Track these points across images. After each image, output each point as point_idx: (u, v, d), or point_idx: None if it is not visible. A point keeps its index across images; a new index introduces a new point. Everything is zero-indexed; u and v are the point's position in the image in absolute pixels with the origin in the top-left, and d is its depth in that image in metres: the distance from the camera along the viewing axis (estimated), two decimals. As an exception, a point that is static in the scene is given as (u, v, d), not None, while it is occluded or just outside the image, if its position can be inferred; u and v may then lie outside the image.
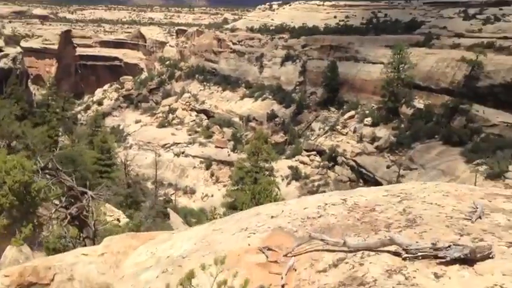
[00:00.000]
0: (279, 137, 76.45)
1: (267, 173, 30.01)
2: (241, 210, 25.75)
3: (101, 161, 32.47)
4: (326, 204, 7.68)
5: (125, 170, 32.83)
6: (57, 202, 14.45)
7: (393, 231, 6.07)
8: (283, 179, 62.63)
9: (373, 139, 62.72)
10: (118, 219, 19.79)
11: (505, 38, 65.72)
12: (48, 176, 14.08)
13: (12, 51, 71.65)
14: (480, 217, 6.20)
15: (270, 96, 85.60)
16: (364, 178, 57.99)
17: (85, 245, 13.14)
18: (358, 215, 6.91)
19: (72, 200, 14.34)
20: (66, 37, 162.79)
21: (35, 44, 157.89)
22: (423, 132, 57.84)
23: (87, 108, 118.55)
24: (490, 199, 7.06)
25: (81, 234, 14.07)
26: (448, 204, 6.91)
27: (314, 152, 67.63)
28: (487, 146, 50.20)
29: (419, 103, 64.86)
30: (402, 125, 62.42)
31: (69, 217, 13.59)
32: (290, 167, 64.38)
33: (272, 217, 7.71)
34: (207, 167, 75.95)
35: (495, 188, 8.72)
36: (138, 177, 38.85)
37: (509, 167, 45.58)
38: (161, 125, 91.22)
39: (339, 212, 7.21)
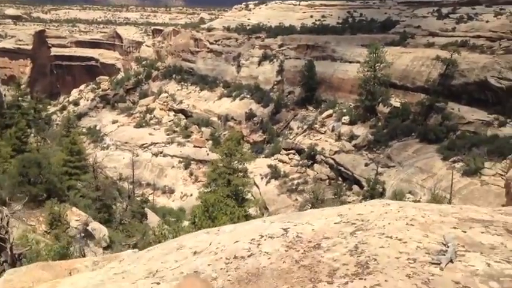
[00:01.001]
0: (257, 136, 76.45)
1: (241, 174, 29.63)
2: (194, 223, 24.49)
3: (70, 163, 31.48)
4: (262, 236, 6.40)
5: (94, 172, 31.94)
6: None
7: (337, 284, 4.85)
8: (262, 178, 62.67)
9: (351, 137, 63.18)
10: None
11: (478, 36, 67.00)
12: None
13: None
14: (452, 260, 4.99)
15: (248, 96, 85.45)
16: (343, 176, 58.36)
17: (3, 271, 11.41)
18: (297, 255, 5.67)
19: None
20: (40, 37, 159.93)
21: (8, 44, 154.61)
22: (400, 130, 58.52)
23: (63, 108, 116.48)
24: (465, 229, 5.86)
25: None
26: (412, 238, 5.64)
27: (293, 151, 67.77)
28: (463, 143, 51.04)
29: (395, 101, 65.59)
30: (379, 123, 63.06)
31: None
32: (269, 166, 64.37)
33: (195, 253, 6.45)
34: (186, 167, 75.45)
35: (471, 208, 6.93)
36: (108, 180, 37.84)
37: (485, 163, 46.39)
38: (139, 125, 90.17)
39: (275, 248, 5.94)
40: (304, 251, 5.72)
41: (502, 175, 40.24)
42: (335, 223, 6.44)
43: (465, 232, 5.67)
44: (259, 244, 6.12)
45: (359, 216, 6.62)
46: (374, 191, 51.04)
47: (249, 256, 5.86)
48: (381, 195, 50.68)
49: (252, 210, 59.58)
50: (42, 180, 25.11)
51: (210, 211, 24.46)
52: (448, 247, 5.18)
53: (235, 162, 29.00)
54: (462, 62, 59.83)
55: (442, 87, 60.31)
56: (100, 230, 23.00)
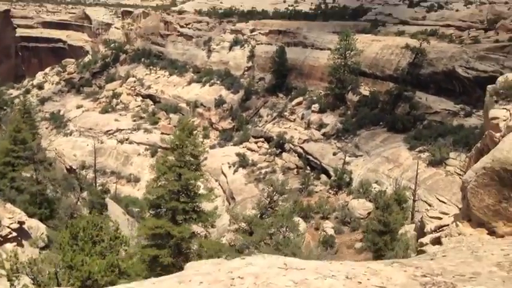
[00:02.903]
0: (226, 124, 75.19)
1: (193, 167, 28.07)
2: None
3: (13, 153, 29.15)
4: None
5: (34, 165, 29.62)
6: None
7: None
8: (230, 167, 61.58)
9: (321, 126, 62.60)
10: None
11: (448, 25, 67.08)
12: None
13: None
14: None
15: (218, 82, 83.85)
16: (311, 165, 57.79)
17: None
18: None
19: None
20: (5, 17, 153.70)
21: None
22: (368, 119, 58.18)
23: (27, 92, 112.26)
24: None
25: None
26: None
27: (262, 139, 66.83)
28: (429, 133, 51.01)
29: (365, 90, 65.24)
30: (348, 112, 62.65)
31: None
32: (237, 154, 63.25)
33: None
34: (153, 154, 73.56)
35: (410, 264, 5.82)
36: (53, 172, 35.58)
37: (450, 154, 46.41)
38: (104, 111, 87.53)
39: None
40: None
41: (460, 174, 40.09)
42: None
43: None
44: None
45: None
46: (341, 181, 50.69)
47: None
48: (348, 185, 50.40)
49: (219, 201, 58.83)
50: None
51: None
52: None
53: (188, 154, 27.51)
54: (431, 51, 59.68)
55: (411, 76, 60.14)
56: (38, 229, 21.43)
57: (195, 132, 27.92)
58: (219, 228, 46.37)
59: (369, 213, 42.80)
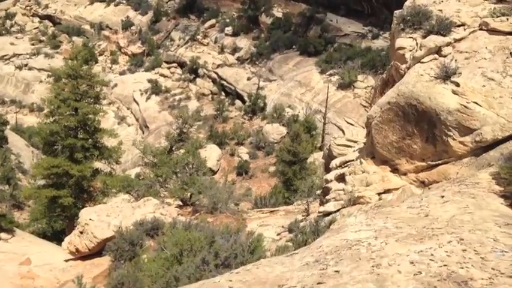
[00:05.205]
0: (136, 48, 71.32)
1: (91, 100, 26.15)
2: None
3: None
4: None
5: None
6: None
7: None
8: (142, 94, 59.41)
9: (234, 50, 61.46)
10: None
11: None
12: None
13: None
14: None
15: (124, 1, 78.18)
16: (226, 91, 57.36)
17: None
18: None
19: None
20: None
21: None
22: (282, 42, 57.94)
23: None
24: None
25: None
26: None
27: (175, 64, 64.53)
28: (339, 56, 52.06)
29: (278, 12, 64.40)
30: (262, 35, 61.81)
31: None
32: (149, 81, 60.84)
33: None
34: (57, 80, 68.59)
35: None
36: None
37: (358, 76, 48.09)
38: (-3, 33, 78.85)
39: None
40: None
41: (365, 106, 41.82)
42: None
43: None
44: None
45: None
46: (255, 106, 51.09)
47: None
48: (262, 110, 50.99)
49: (131, 129, 57.17)
50: None
51: None
52: None
53: (83, 86, 25.52)
54: (342, -28, 59.47)
55: (323, -2, 60.03)
56: None
57: (89, 61, 25.82)
58: (134, 158, 45.48)
59: (282, 137, 44.00)
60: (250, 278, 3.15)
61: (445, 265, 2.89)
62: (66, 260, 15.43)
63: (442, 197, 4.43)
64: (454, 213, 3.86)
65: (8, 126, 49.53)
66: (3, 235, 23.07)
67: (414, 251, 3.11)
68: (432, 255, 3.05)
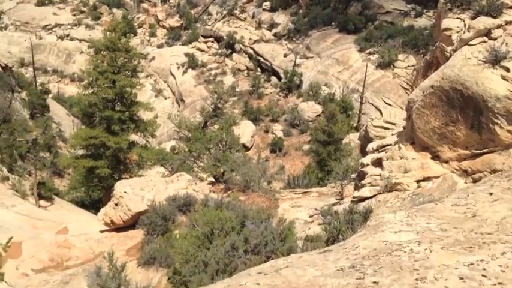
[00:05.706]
0: (174, 21, 71.48)
1: (128, 73, 26.26)
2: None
3: None
4: None
5: None
6: None
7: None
8: (179, 67, 59.67)
9: (272, 25, 60.71)
10: None
11: None
12: None
13: None
14: None
15: (164, -26, 78.02)
16: (262, 67, 56.91)
17: None
18: None
19: None
20: None
21: None
22: (320, 18, 56.76)
23: None
24: None
25: None
26: None
27: (211, 39, 64.40)
28: (380, 34, 50.62)
29: (318, -13, 62.76)
30: (300, 11, 60.70)
31: None
32: (186, 54, 61.02)
33: None
34: (96, 52, 69.71)
35: None
36: None
37: (399, 56, 46.69)
38: (40, 3, 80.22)
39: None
40: None
41: (405, 88, 40.58)
42: None
43: None
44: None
45: None
46: (291, 83, 50.55)
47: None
48: (298, 87, 50.40)
49: (167, 102, 57.68)
50: None
51: None
52: None
53: (121, 58, 25.65)
54: None
55: (365, -26, 58.03)
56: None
57: (127, 34, 25.94)
58: (169, 131, 45.99)
59: (317, 116, 43.49)
60: (280, 282, 3.02)
61: (499, 283, 2.66)
62: (102, 231, 15.83)
63: (491, 194, 4.14)
64: (505, 215, 3.59)
65: (50, 95, 50.79)
66: (43, 202, 23.92)
67: (464, 263, 2.88)
68: (485, 269, 2.82)
